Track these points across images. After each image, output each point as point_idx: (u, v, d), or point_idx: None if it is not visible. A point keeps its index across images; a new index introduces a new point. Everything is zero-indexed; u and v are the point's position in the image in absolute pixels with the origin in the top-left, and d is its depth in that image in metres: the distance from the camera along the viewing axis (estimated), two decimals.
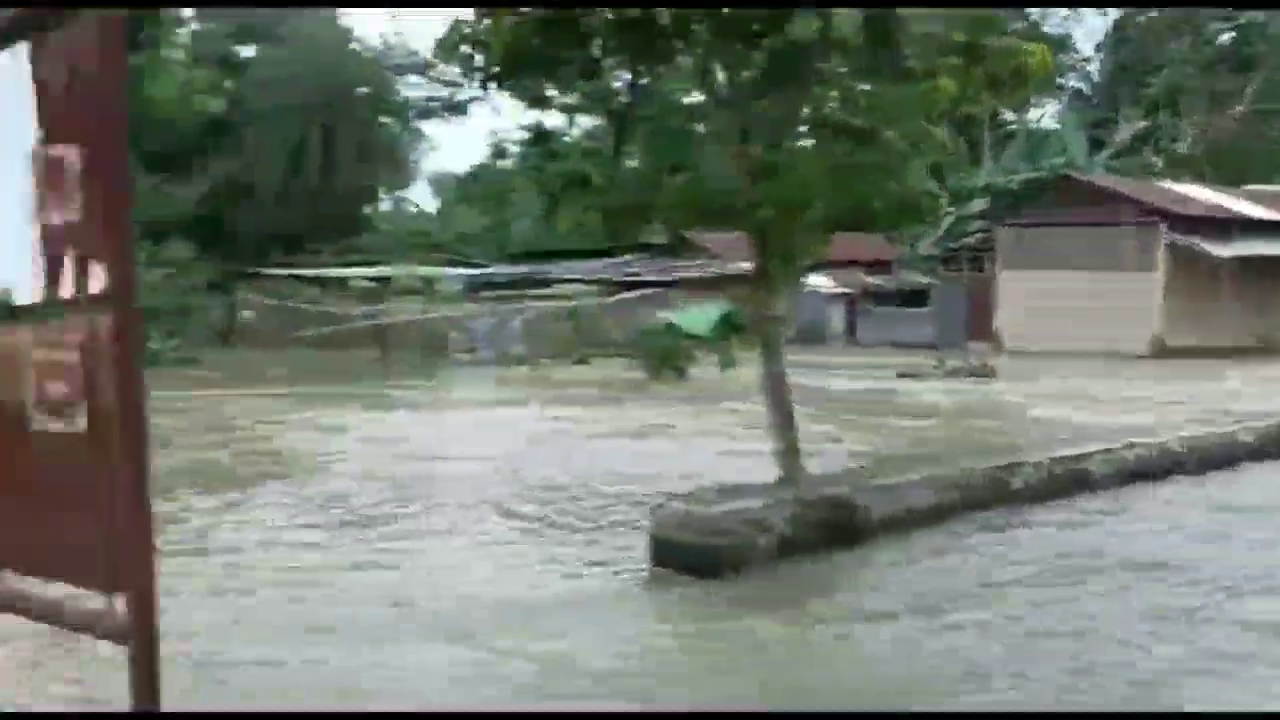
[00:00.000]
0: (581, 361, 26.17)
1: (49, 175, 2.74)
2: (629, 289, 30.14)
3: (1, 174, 2.90)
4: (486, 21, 6.68)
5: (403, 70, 47.18)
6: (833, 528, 7.07)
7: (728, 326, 6.74)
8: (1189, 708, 5.17)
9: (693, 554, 6.39)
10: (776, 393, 7.35)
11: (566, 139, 46.60)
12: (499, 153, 58.54)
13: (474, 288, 33.64)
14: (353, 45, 41.68)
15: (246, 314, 31.03)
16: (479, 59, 6.88)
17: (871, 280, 34.33)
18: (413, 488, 10.66)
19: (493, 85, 7.03)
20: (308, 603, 6.53)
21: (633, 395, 19.14)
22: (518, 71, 7.01)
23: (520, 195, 56.17)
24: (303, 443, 14.36)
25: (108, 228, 2.60)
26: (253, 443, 13.93)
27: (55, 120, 2.74)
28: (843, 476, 8.39)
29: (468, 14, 6.96)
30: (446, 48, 6.90)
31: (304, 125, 36.90)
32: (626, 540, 7.64)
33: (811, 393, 14.00)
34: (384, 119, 39.66)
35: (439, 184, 62.61)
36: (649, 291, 28.43)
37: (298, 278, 33.55)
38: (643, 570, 6.78)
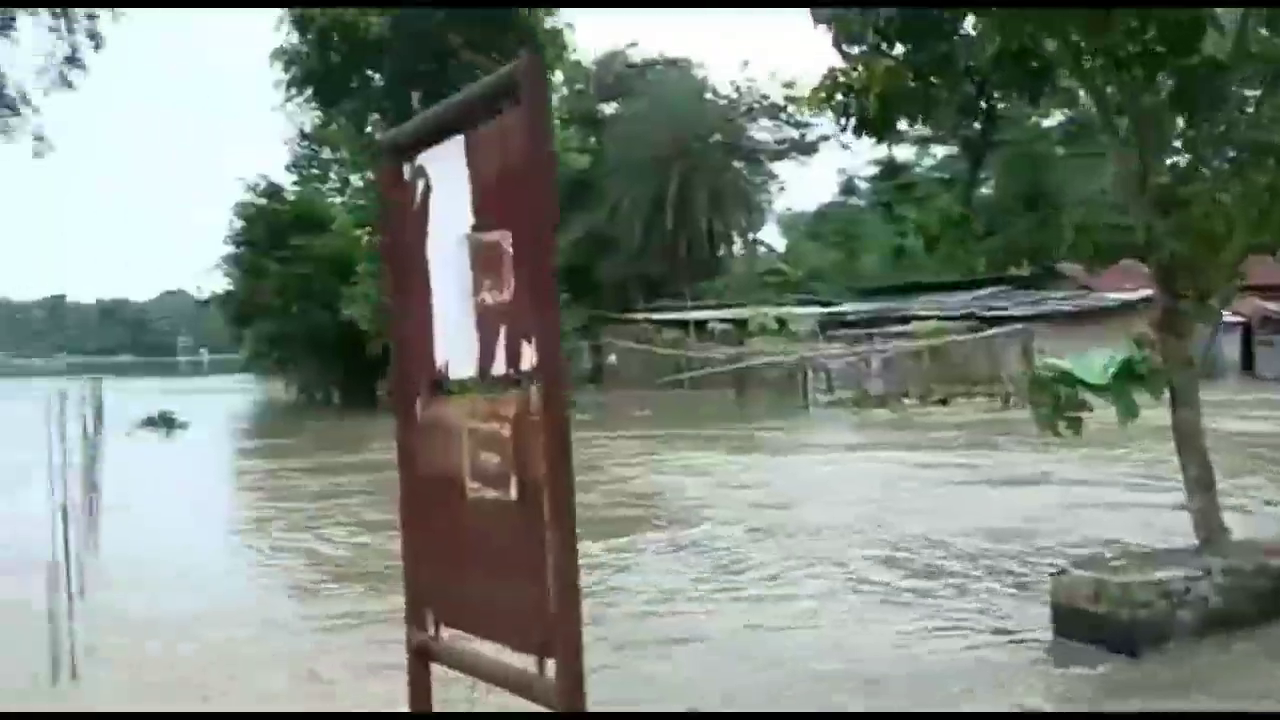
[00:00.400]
0: (943, 402, 25.26)
1: (483, 258, 2.93)
2: (993, 324, 28.81)
3: (441, 258, 3.14)
4: (858, 69, 6.57)
5: (754, 115, 48.25)
6: (1269, 598, 6.22)
7: (1128, 373, 6.11)
8: None
9: (1105, 626, 5.82)
10: (1191, 443, 6.59)
11: (918, 170, 45.87)
12: (849, 189, 58.47)
13: (828, 326, 33.49)
14: (706, 95, 43.11)
15: (612, 358, 32.68)
16: (848, 104, 6.76)
17: (1270, 306, 30.72)
18: (783, 537, 10.62)
19: (866, 131, 6.86)
20: (726, 661, 6.47)
21: (1004, 438, 18.17)
22: (894, 115, 6.83)
23: (870, 230, 55.73)
24: (671, 486, 14.78)
25: (537, 307, 2.73)
26: (624, 484, 14.51)
27: (488, 207, 2.93)
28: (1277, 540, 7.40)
29: (840, 62, 6.90)
30: (819, 98, 6.84)
31: (661, 175, 38.52)
32: (1018, 605, 7.15)
33: (1215, 437, 12.60)
34: (736, 163, 40.62)
35: (787, 223, 63.31)
36: (1016, 327, 26.99)
37: (659, 321, 34.93)
38: (1044, 640, 6.30)
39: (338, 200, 41.61)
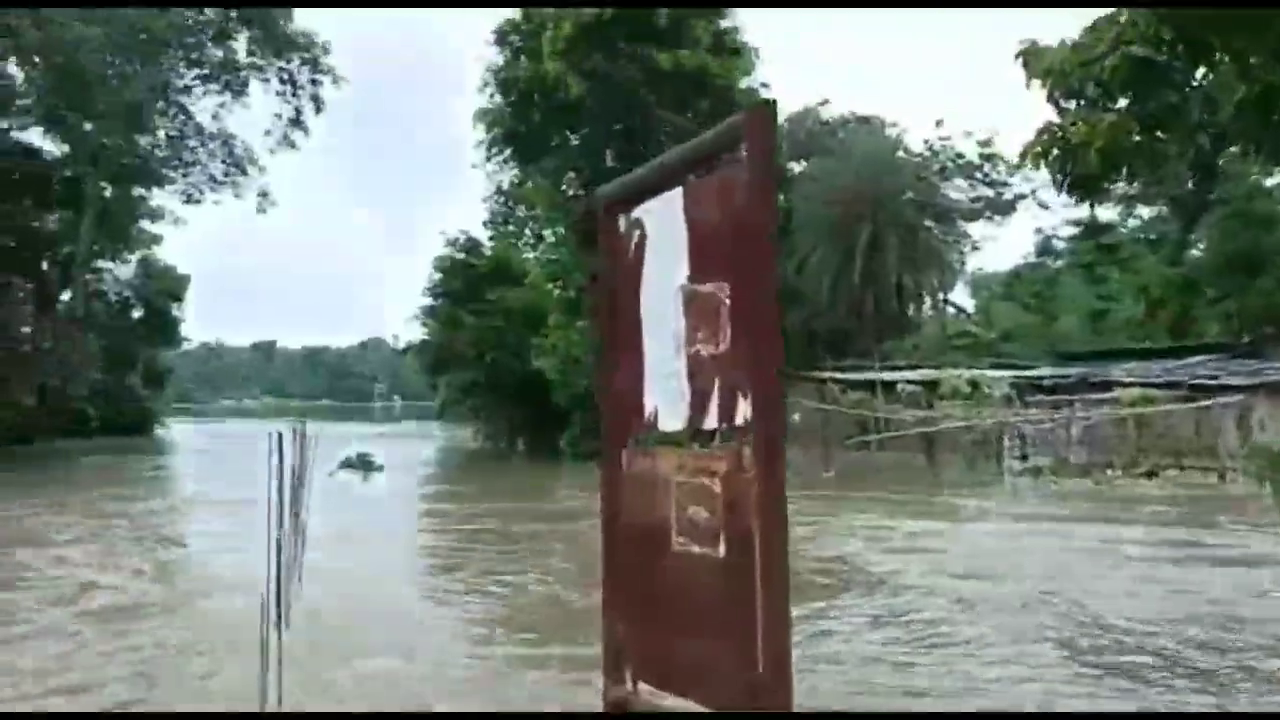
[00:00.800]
0: (1151, 474, 23.78)
1: (698, 310, 2.91)
2: (1204, 393, 27.01)
3: (654, 309, 3.14)
4: (1077, 124, 6.29)
5: (947, 174, 47.35)
6: None
7: None
8: None
9: None
10: None
11: (1123, 230, 43.64)
12: (1046, 249, 56.32)
13: (1023, 391, 32.15)
14: (898, 153, 42.58)
15: (795, 416, 32.27)
16: (1065, 161, 6.48)
17: None
18: (988, 610, 10.14)
19: (1082, 189, 6.56)
20: None
21: (1223, 516, 16.92)
22: (1114, 172, 6.50)
23: (1069, 291, 53.41)
24: (860, 551, 14.40)
25: (755, 360, 2.68)
26: (810, 547, 14.23)
27: (705, 258, 2.91)
28: None
29: (1051, 117, 6.64)
30: (1034, 154, 6.59)
31: (851, 232, 38.11)
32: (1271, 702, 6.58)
33: None
34: (928, 222, 39.81)
35: (979, 283, 61.44)
36: (1235, 398, 25.22)
37: (844, 381, 34.34)
38: None
39: (531, 255, 42.98)
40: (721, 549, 2.72)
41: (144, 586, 12.14)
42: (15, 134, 38.92)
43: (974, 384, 30.64)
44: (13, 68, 37.47)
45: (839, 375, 34.93)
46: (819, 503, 19.34)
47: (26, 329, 41.15)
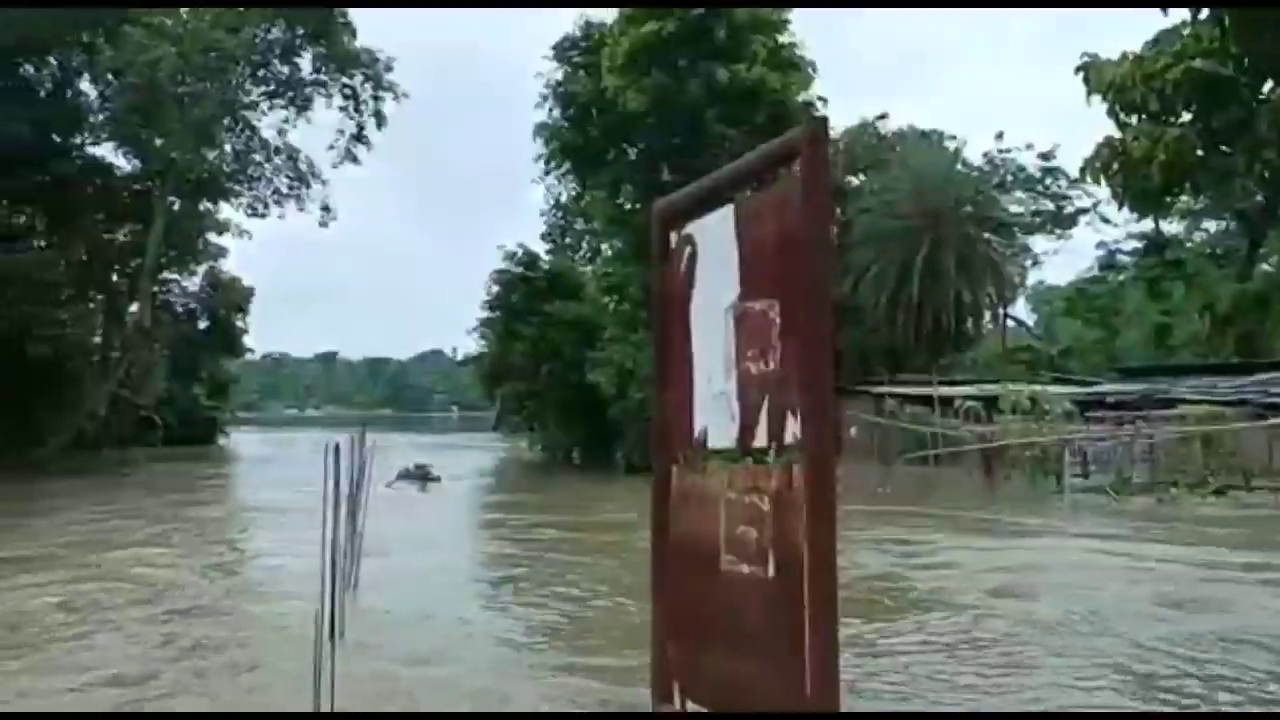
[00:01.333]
0: (1218, 493, 23.17)
1: (748, 327, 2.89)
2: (1274, 411, 26.32)
3: (704, 326, 3.12)
4: (1139, 139, 6.16)
5: (1007, 187, 46.73)
6: None
7: None
8: None
9: None
10: None
11: (1188, 245, 42.76)
12: (1109, 264, 55.36)
13: (1085, 407, 31.57)
14: (958, 167, 42.13)
15: (852, 430, 31.98)
16: (1127, 175, 6.33)
17: None
18: (1041, 632, 9.95)
19: (1143, 203, 6.41)
20: None
21: None
22: (1178, 187, 6.35)
23: (1132, 307, 52.41)
24: (915, 569, 14.21)
25: (806, 379, 2.65)
26: (867, 564, 14.05)
27: (756, 275, 2.88)
28: None
29: (1112, 131, 6.48)
30: (1095, 169, 6.46)
31: (909, 246, 37.73)
32: None
33: None
34: (988, 236, 39.29)
35: (1040, 298, 60.52)
36: None
37: (901, 395, 34.00)
38: None
39: (588, 269, 43.15)
40: (770, 568, 2.69)
41: (206, 589, 12.35)
42: (89, 149, 40.04)
43: (1034, 399, 30.13)
44: (87, 85, 38.59)
45: (896, 389, 34.58)
46: (874, 518, 19.12)
47: (97, 339, 42.19)
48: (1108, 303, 53.94)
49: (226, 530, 20.20)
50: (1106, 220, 49.50)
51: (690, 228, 3.20)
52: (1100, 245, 54.53)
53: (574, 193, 42.60)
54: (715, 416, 3.00)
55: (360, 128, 43.94)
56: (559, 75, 38.09)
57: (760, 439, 2.77)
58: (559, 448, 42.78)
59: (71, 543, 16.62)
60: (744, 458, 2.94)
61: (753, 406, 2.79)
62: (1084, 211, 50.21)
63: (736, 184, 3.00)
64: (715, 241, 3.01)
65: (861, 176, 44.46)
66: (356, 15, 42.33)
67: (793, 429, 2.61)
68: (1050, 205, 50.39)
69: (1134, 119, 7.64)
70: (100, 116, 38.58)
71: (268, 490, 27.48)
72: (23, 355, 33.82)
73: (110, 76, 35.98)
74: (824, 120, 2.67)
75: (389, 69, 43.33)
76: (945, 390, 33.45)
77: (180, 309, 50.67)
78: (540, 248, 45.31)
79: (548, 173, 41.34)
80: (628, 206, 36.34)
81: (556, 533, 18.49)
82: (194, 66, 36.44)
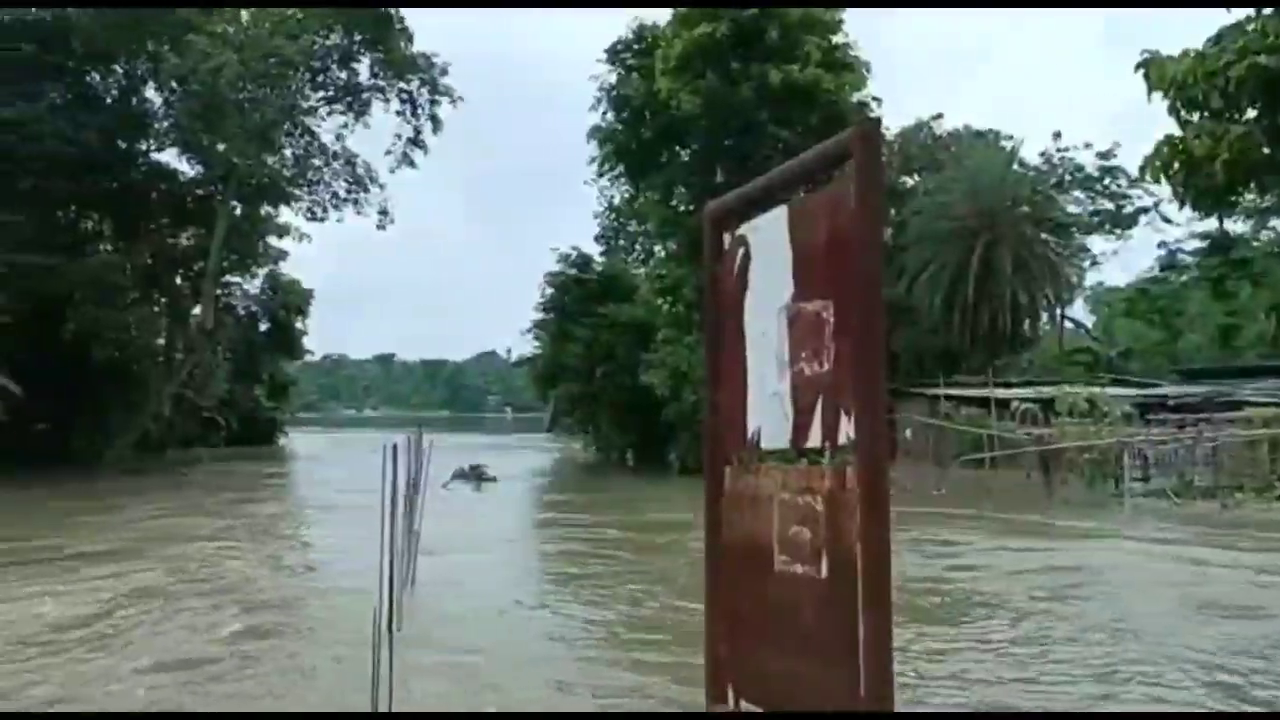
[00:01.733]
0: None
1: (802, 328, 2.88)
2: None
3: (757, 327, 3.11)
4: (1200, 137, 6.04)
5: (1065, 187, 46.07)
6: None
7: None
8: None
9: None
10: None
11: (1255, 244, 41.64)
12: (1170, 264, 54.33)
13: (1146, 409, 31.00)
14: (1014, 166, 41.59)
15: (907, 432, 31.68)
16: (1189, 174, 6.23)
17: None
18: (1102, 637, 9.79)
19: (1206, 203, 6.30)
20: None
21: None
22: (1242, 184, 6.23)
23: (1195, 308, 51.37)
24: (971, 572, 14.06)
25: (859, 379, 2.64)
26: (919, 565, 13.94)
27: (809, 276, 2.88)
28: None
29: (1171, 129, 6.38)
30: (1156, 168, 6.35)
31: (964, 247, 37.33)
32: None
33: None
34: (1045, 236, 38.70)
35: (1099, 299, 59.55)
36: None
37: (956, 397, 33.62)
38: None
39: (641, 271, 43.21)
40: (823, 569, 2.68)
41: (269, 584, 12.57)
42: (153, 155, 40.91)
43: (1093, 402, 29.64)
44: (151, 92, 39.42)
45: (952, 391, 34.21)
46: (928, 520, 18.94)
47: (161, 341, 43.07)
48: (1169, 303, 52.95)
49: (288, 527, 20.53)
50: (1167, 220, 48.64)
51: (743, 229, 3.20)
52: (1161, 245, 53.59)
53: (627, 195, 42.68)
54: (769, 417, 2.99)
55: (417, 132, 44.38)
56: (612, 78, 38.18)
57: (814, 440, 2.76)
58: (613, 449, 42.89)
59: (142, 539, 17.02)
60: (797, 458, 2.93)
61: (806, 407, 2.77)
62: (1144, 211, 49.41)
63: (789, 185, 2.99)
64: (768, 242, 3.00)
65: (916, 177, 44.07)
66: (412, 20, 42.83)
67: (846, 430, 2.60)
68: (1109, 205, 49.63)
69: (1196, 116, 7.52)
70: (164, 123, 39.38)
71: (327, 489, 27.88)
72: (90, 358, 34.61)
73: (174, 84, 36.70)
74: (877, 120, 2.66)
75: (444, 73, 43.75)
76: (1001, 392, 33.01)
77: (242, 311, 51.53)
78: (594, 250, 45.49)
79: (601, 175, 41.47)
80: (681, 208, 36.31)
81: (611, 533, 18.55)
82: (255, 73, 37.06)
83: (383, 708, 6.14)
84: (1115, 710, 7.44)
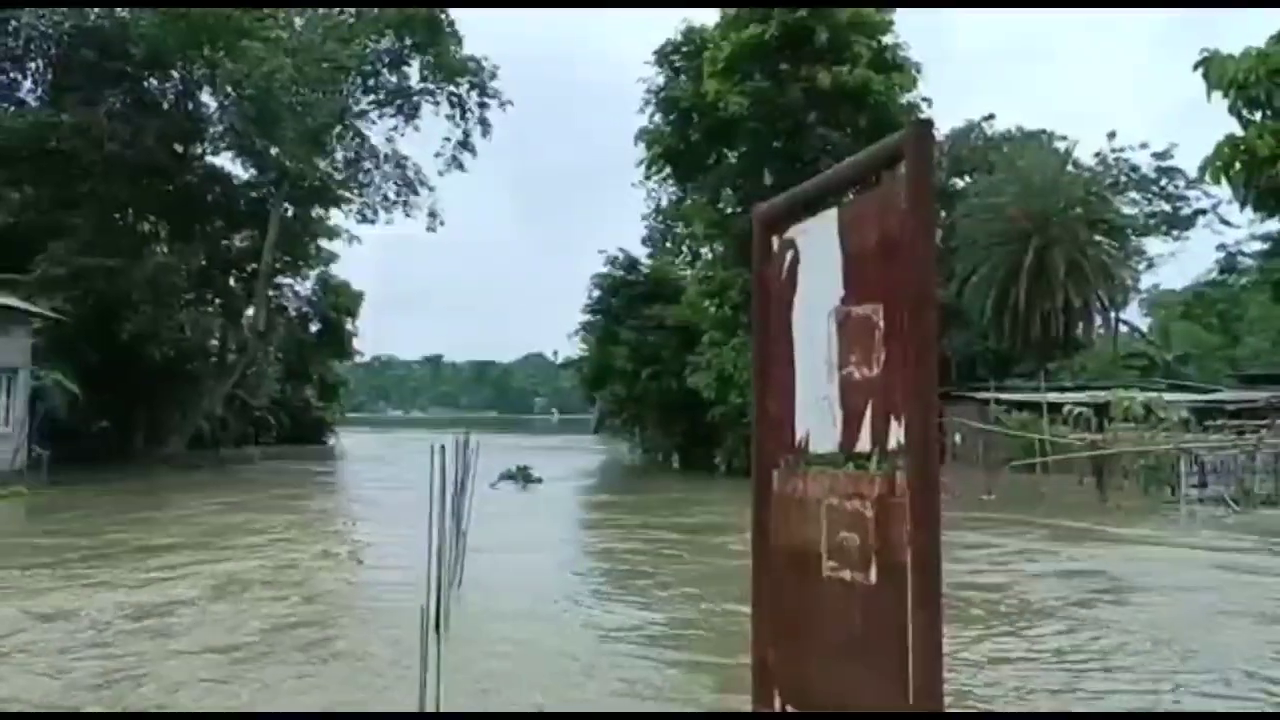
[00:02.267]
0: None
1: (851, 332, 2.86)
2: None
3: (807, 330, 3.09)
4: (1263, 136, 5.92)
5: (1120, 188, 45.33)
6: None
7: None
8: None
9: None
10: None
11: None
12: (1229, 266, 53.32)
13: (1203, 415, 30.44)
14: (1068, 167, 41.02)
15: (956, 437, 31.38)
16: (1251, 175, 6.09)
17: None
18: (1155, 646, 9.61)
19: (1270, 203, 6.16)
20: None
21: None
22: None
23: (1256, 311, 50.35)
24: (1021, 579, 13.88)
25: (909, 384, 2.61)
26: (969, 572, 13.77)
27: (859, 279, 2.85)
28: None
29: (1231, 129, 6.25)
30: (1216, 169, 6.23)
31: (1016, 249, 36.92)
32: None
33: None
34: (1099, 238, 38.14)
35: (1155, 302, 58.56)
36: None
37: (1007, 401, 33.25)
38: None
39: (688, 273, 43.19)
40: (873, 575, 2.66)
41: (320, 580, 12.72)
42: (208, 159, 41.58)
43: (1148, 407, 29.16)
44: (207, 97, 40.07)
45: (1003, 395, 33.83)
46: (979, 527, 18.72)
47: (215, 342, 43.76)
48: (1228, 307, 51.97)
49: (338, 525, 20.77)
50: (1226, 222, 47.74)
51: (792, 232, 3.18)
52: (1220, 247, 52.61)
53: (675, 197, 42.68)
54: (817, 421, 2.97)
55: (466, 135, 44.76)
56: (660, 80, 38.17)
57: (863, 444, 2.74)
58: (658, 451, 42.93)
59: (200, 534, 17.38)
60: (846, 463, 2.91)
61: (855, 411, 2.75)
62: (1202, 213, 48.53)
63: (839, 187, 2.97)
64: (818, 245, 2.99)
65: (967, 179, 43.65)
66: (461, 23, 43.16)
67: (896, 434, 2.57)
68: (1166, 206, 48.79)
69: (1258, 116, 7.36)
70: (219, 127, 40.03)
71: (376, 488, 28.17)
72: (148, 358, 35.25)
73: (229, 89, 37.29)
74: (929, 123, 2.64)
75: (494, 76, 44.07)
76: (1054, 396, 32.59)
77: (293, 313, 52.19)
78: (641, 252, 45.56)
79: (649, 177, 41.49)
80: (728, 210, 36.23)
81: (657, 534, 18.54)
82: (308, 77, 37.57)
83: (429, 708, 6.17)
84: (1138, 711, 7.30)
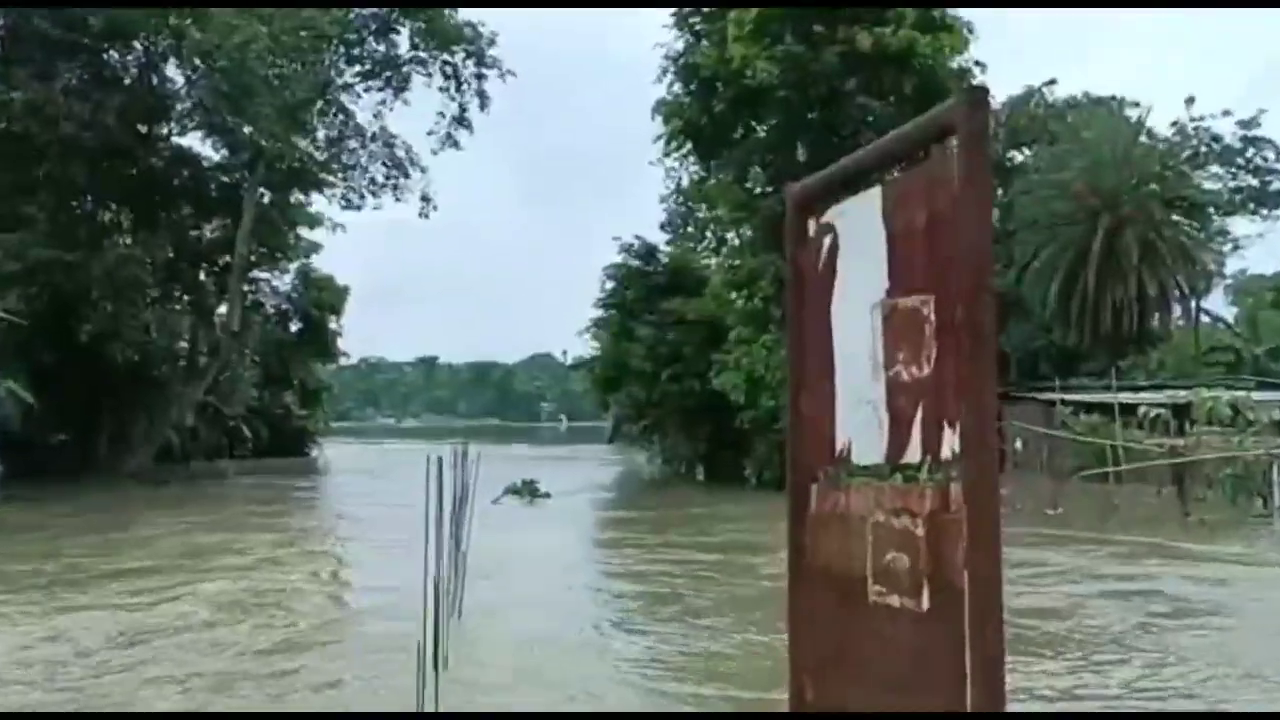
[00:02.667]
0: None
1: (898, 327, 2.84)
2: None
3: (847, 325, 3.08)
4: None
5: (1201, 161, 45.03)
6: None
7: None
8: None
9: None
10: None
11: None
12: None
13: None
14: (1140, 138, 40.78)
15: (1017, 443, 31.28)
16: None
17: None
18: (1250, 679, 9.55)
19: None
20: None
21: None
22: None
23: None
24: (1094, 604, 13.82)
25: (964, 385, 2.59)
26: (1033, 596, 13.70)
27: (906, 268, 2.83)
28: None
29: None
30: None
31: (1082, 231, 36.76)
32: None
33: None
34: (1176, 218, 37.93)
35: (1240, 289, 58.20)
36: None
37: (1074, 402, 33.10)
38: None
39: (712, 261, 43.15)
40: (924, 601, 2.64)
41: (304, 609, 12.77)
42: (175, 139, 41.74)
43: (1235, 407, 28.98)
44: (173, 70, 40.18)
45: (1069, 396, 33.69)
46: (1042, 544, 18.64)
47: (184, 343, 43.94)
48: None
49: (324, 547, 20.87)
50: None
51: (830, 214, 3.17)
52: None
53: (697, 176, 42.63)
54: (860, 427, 2.96)
55: (462, 109, 44.79)
56: (680, 45, 38.07)
57: (913, 453, 2.73)
58: (681, 461, 42.91)
59: (172, 556, 17.52)
60: (894, 475, 2.89)
61: (904, 416, 2.74)
62: None
63: (883, 164, 2.96)
64: (860, 229, 2.97)
65: (1025, 152, 43.48)
66: None
67: (950, 442, 2.56)
68: (1253, 181, 48.48)
69: None
70: (187, 104, 40.16)
71: (364, 506, 28.24)
72: (108, 361, 35.37)
73: (198, 61, 37.41)
74: (983, 89, 2.62)
75: (492, 44, 44.08)
76: (1127, 397, 32.40)
77: (271, 310, 52.35)
78: (659, 238, 45.49)
79: (668, 154, 41.42)
80: (757, 190, 36.16)
81: (680, 555, 18.54)
82: (285, 47, 37.65)
83: None
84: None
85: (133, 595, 13.95)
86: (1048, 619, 12.39)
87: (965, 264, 2.61)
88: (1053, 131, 42.64)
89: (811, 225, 3.27)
